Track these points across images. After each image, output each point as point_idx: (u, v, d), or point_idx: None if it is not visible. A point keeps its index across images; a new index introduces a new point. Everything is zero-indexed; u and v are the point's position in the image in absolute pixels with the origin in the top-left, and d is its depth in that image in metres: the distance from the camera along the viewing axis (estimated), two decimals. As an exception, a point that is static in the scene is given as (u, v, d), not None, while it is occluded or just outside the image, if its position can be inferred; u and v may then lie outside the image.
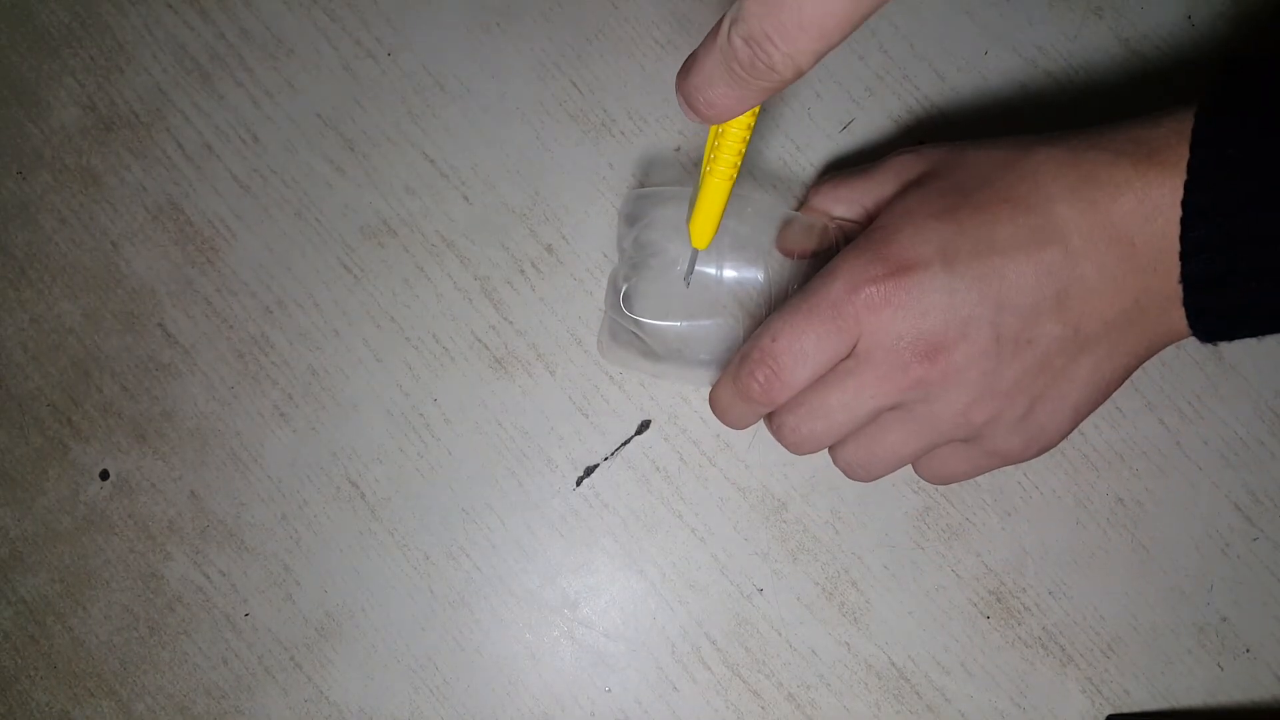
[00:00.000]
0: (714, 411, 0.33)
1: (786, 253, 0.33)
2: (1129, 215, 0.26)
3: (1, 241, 0.40)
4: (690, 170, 0.39)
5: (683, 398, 0.38)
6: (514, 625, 0.38)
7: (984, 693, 0.37)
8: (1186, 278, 0.26)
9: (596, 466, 0.38)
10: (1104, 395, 0.29)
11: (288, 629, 0.38)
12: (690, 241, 0.31)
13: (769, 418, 0.31)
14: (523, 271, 0.39)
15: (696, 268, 0.32)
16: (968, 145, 0.30)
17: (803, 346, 0.28)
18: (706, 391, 0.38)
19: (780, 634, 0.37)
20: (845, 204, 0.33)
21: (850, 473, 0.32)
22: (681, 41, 0.39)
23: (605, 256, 0.39)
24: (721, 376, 0.32)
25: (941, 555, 0.37)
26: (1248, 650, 0.36)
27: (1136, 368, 0.29)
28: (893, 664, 0.37)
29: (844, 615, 0.37)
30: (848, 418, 0.29)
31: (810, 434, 0.30)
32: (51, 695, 0.38)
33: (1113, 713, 0.37)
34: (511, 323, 0.39)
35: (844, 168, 0.37)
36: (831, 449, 0.32)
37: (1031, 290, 0.27)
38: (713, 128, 0.29)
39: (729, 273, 0.32)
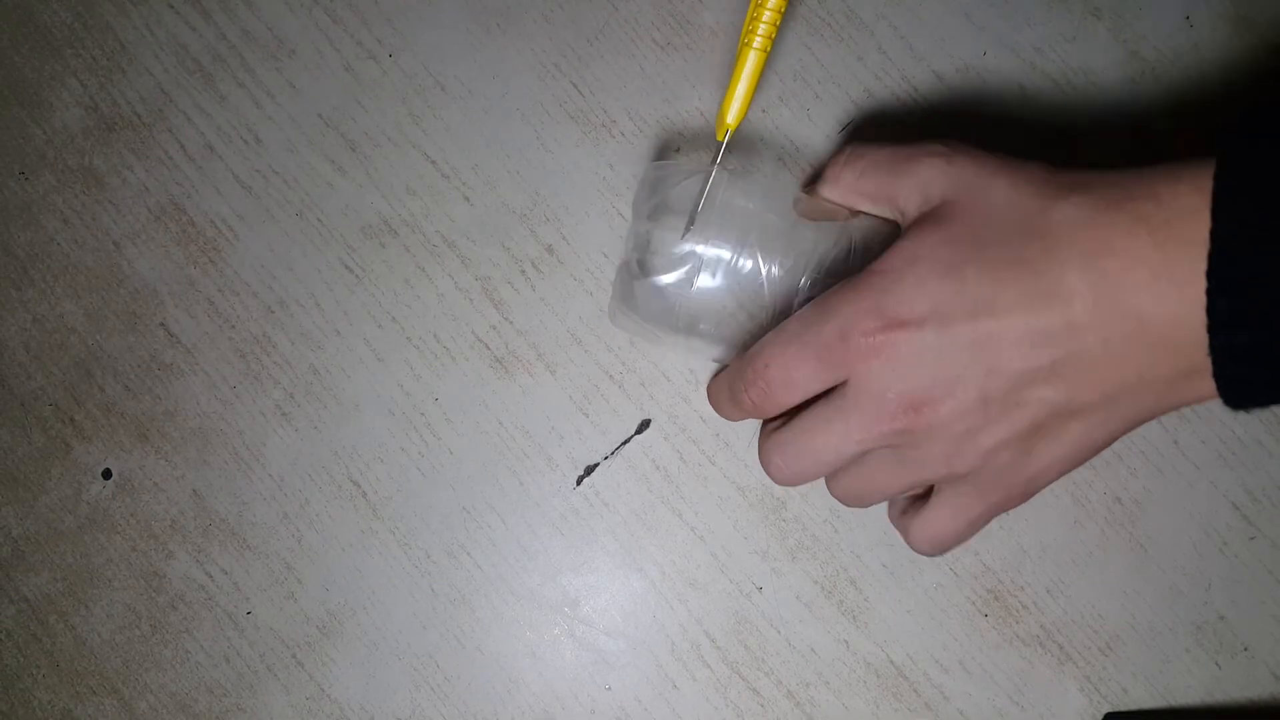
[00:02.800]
0: (709, 397, 0.35)
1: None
2: (1141, 289, 0.25)
3: (4, 241, 0.40)
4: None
5: (683, 398, 0.38)
6: (514, 623, 0.38)
7: (982, 691, 0.37)
8: (1216, 350, 0.25)
9: (597, 465, 0.38)
10: (1091, 456, 0.29)
11: (289, 627, 0.38)
12: (720, 125, 0.32)
13: (760, 451, 0.32)
14: (523, 272, 0.39)
15: (710, 247, 0.32)
16: (998, 170, 0.29)
17: (791, 377, 0.29)
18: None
19: (779, 632, 0.37)
20: (869, 202, 0.32)
21: (844, 502, 0.32)
22: (681, 42, 0.39)
23: (605, 256, 0.39)
24: (720, 375, 0.33)
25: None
26: (1245, 649, 0.36)
27: (1131, 430, 0.28)
28: (891, 662, 0.37)
29: (843, 614, 0.37)
30: (834, 459, 0.30)
31: (797, 473, 0.31)
32: (54, 693, 0.38)
33: (1111, 711, 0.37)
34: (512, 322, 0.39)
35: (866, 141, 0.36)
36: (825, 479, 0.32)
37: (1025, 357, 0.26)
38: (750, 7, 0.31)
39: (736, 251, 0.32)
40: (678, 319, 0.33)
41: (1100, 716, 0.37)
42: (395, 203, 0.39)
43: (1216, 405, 0.37)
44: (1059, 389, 0.27)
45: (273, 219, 0.39)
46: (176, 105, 0.40)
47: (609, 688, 0.38)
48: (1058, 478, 0.29)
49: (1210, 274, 0.24)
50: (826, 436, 0.29)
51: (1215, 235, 0.24)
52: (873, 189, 0.31)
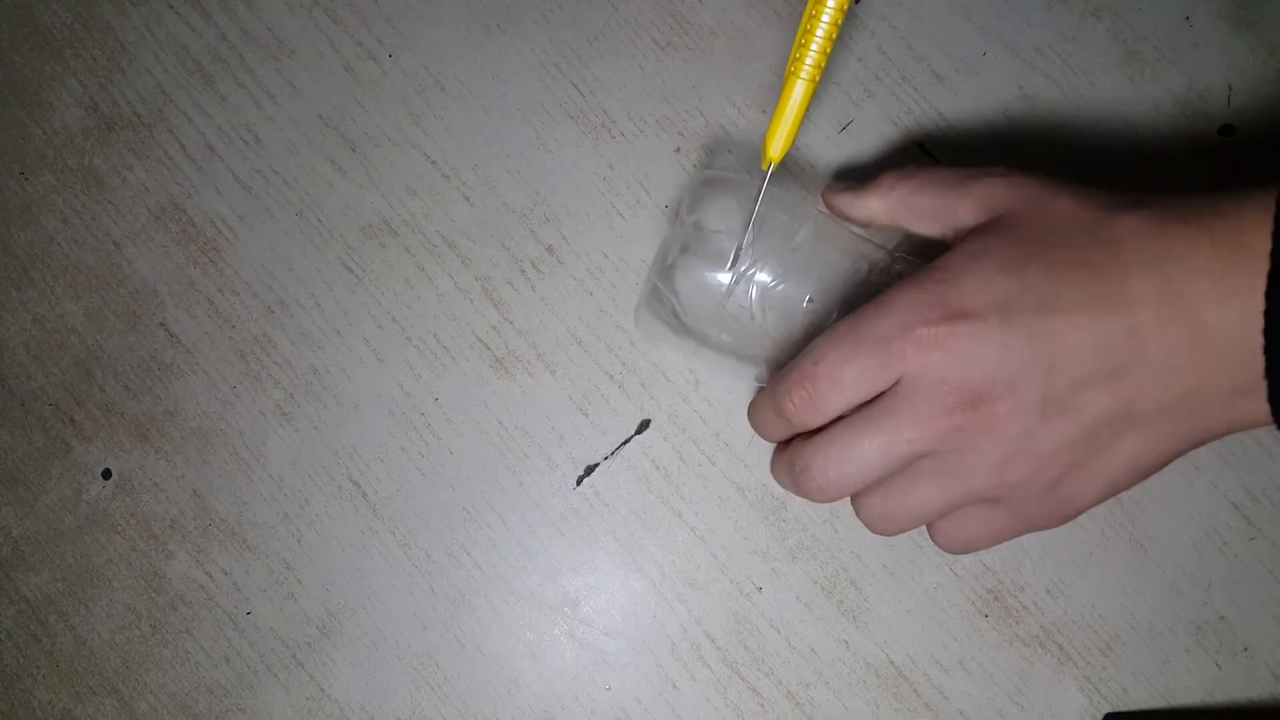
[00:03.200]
0: (749, 417, 0.32)
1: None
2: (1204, 297, 0.25)
3: (4, 241, 0.40)
4: (689, 170, 0.39)
5: (683, 398, 0.38)
6: (514, 623, 0.38)
7: (982, 691, 0.37)
8: (1272, 373, 0.25)
9: (597, 466, 0.38)
10: (1142, 478, 0.28)
11: (289, 627, 0.38)
12: (765, 155, 0.31)
13: (794, 459, 0.30)
14: (523, 272, 0.39)
15: (742, 274, 0.31)
16: (1060, 189, 0.28)
17: (843, 375, 0.28)
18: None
19: (779, 632, 0.37)
20: (921, 218, 0.31)
21: (873, 525, 0.30)
22: (681, 42, 0.39)
23: (605, 256, 0.39)
24: (761, 390, 0.31)
25: (940, 554, 0.37)
26: (1245, 649, 0.36)
27: (1181, 455, 0.28)
28: (891, 662, 0.37)
29: (843, 614, 0.37)
30: (880, 460, 0.28)
31: (839, 478, 0.29)
32: (54, 693, 0.38)
33: (1111, 711, 0.37)
34: (512, 323, 0.39)
35: (850, 175, 0.36)
36: (856, 499, 0.31)
37: (1087, 359, 0.26)
38: (801, 26, 0.30)
39: (771, 275, 0.31)
40: (705, 327, 0.32)
41: (1100, 716, 0.37)
42: (395, 203, 0.39)
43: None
44: (1117, 395, 0.26)
45: (273, 219, 0.39)
46: (176, 105, 0.40)
47: (609, 688, 0.38)
48: (1099, 501, 0.28)
49: (1270, 294, 0.24)
50: (875, 436, 0.28)
51: (1276, 255, 0.24)
52: (929, 204, 0.30)
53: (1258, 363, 0.25)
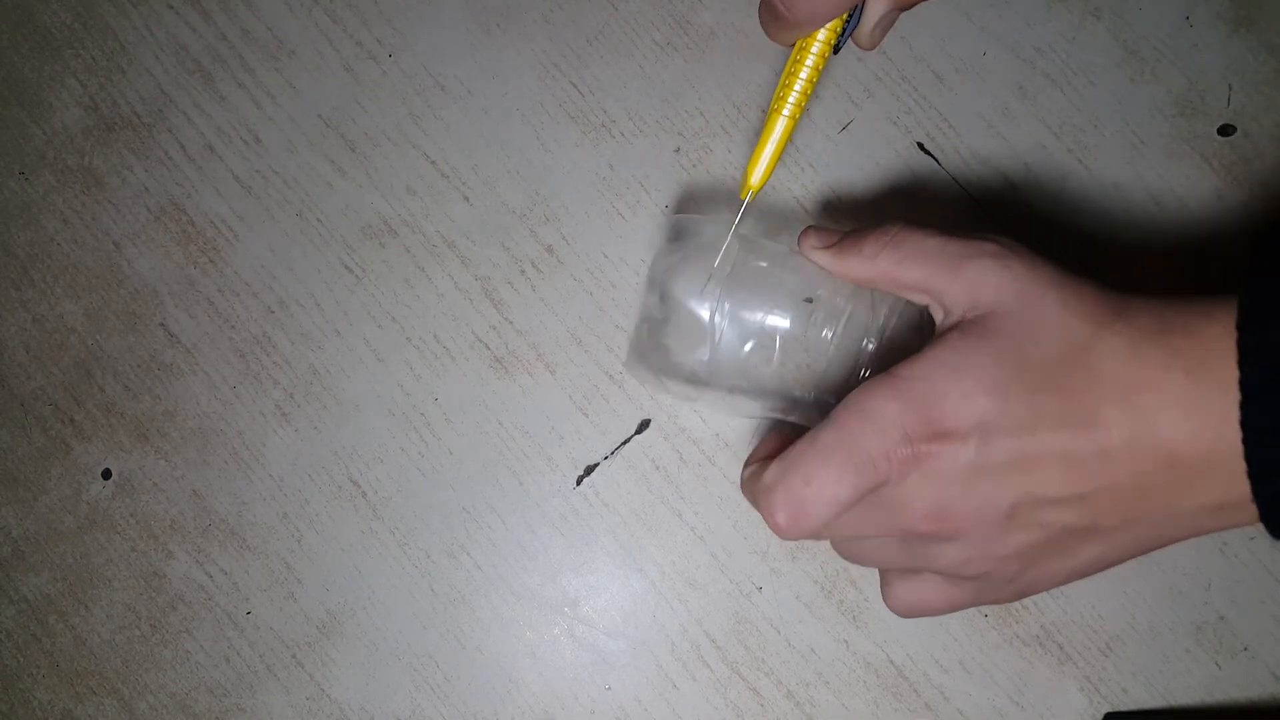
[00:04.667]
0: (745, 489, 0.32)
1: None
2: (1176, 428, 0.26)
3: (4, 242, 0.40)
4: (689, 170, 0.39)
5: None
6: (514, 623, 0.38)
7: (982, 691, 0.37)
8: (1259, 495, 0.25)
9: (596, 466, 0.38)
10: (1101, 570, 0.29)
11: (289, 627, 0.38)
12: (744, 184, 0.32)
13: (765, 498, 0.30)
14: (523, 272, 0.39)
15: (733, 298, 0.32)
16: (1049, 289, 0.28)
17: (836, 494, 0.28)
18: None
19: (779, 632, 0.37)
20: (905, 290, 0.31)
21: (838, 553, 0.32)
22: (681, 42, 0.39)
23: (605, 256, 0.39)
24: (750, 474, 0.31)
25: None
26: (1245, 649, 0.36)
27: (1141, 555, 0.29)
28: (891, 662, 0.37)
29: (843, 614, 0.37)
30: (847, 534, 0.30)
31: (803, 534, 0.29)
32: (54, 693, 0.38)
33: (1111, 711, 0.37)
34: (512, 323, 0.39)
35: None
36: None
37: (1056, 482, 0.27)
38: (784, 71, 0.31)
39: (756, 309, 0.32)
40: (695, 372, 0.32)
41: (1100, 716, 0.37)
42: (395, 203, 0.39)
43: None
44: (1084, 513, 0.27)
45: (273, 219, 0.39)
46: (176, 105, 0.40)
47: (609, 688, 0.38)
48: (1055, 587, 0.30)
49: (1244, 423, 0.25)
50: (845, 519, 0.29)
51: (1244, 385, 0.25)
52: (917, 280, 0.30)
53: (1231, 485, 0.25)
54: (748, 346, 0.32)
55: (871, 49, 0.32)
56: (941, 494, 0.27)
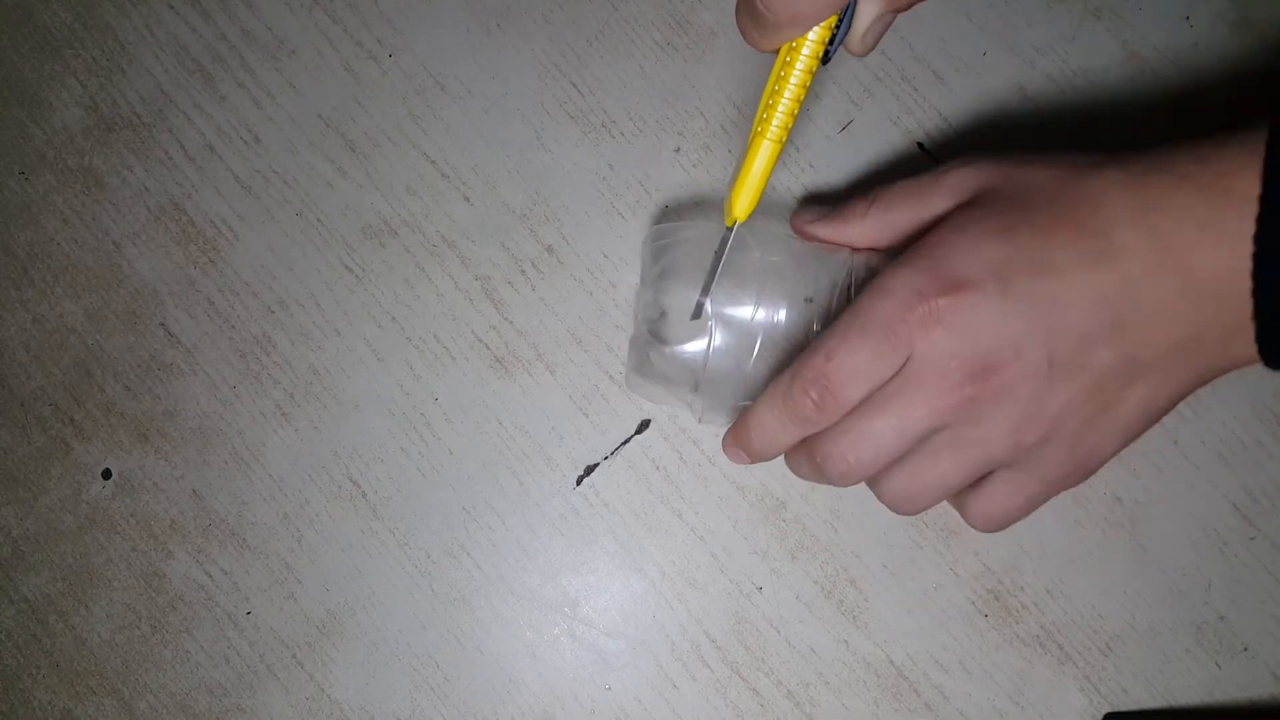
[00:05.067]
0: (747, 436, 0.32)
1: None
2: (1192, 245, 0.25)
3: (4, 241, 0.40)
4: (689, 170, 0.39)
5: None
6: (514, 623, 0.38)
7: (982, 691, 0.37)
8: (1260, 314, 0.25)
9: (596, 465, 0.38)
10: (1153, 422, 0.29)
11: (289, 627, 0.38)
12: (728, 213, 0.31)
13: (813, 449, 0.30)
14: (523, 271, 0.39)
15: (723, 307, 0.31)
16: (1031, 158, 0.29)
17: (857, 364, 0.28)
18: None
19: (779, 632, 0.37)
20: (899, 231, 0.31)
21: (896, 506, 0.30)
22: (681, 42, 0.39)
23: (605, 256, 0.39)
24: (762, 399, 0.30)
25: (940, 554, 0.37)
26: (1245, 649, 0.36)
27: (1189, 394, 0.28)
28: (891, 662, 0.37)
29: (843, 614, 0.37)
30: (897, 441, 0.28)
31: (859, 462, 0.29)
32: (54, 693, 0.38)
33: (1111, 711, 0.37)
34: (512, 323, 0.39)
35: (823, 201, 0.35)
36: (875, 482, 0.31)
37: (1087, 316, 0.26)
38: (767, 86, 0.30)
39: (754, 307, 0.32)
40: (696, 379, 0.32)
41: (1100, 716, 0.37)
42: (395, 203, 0.39)
43: (1217, 407, 0.37)
44: (1119, 348, 0.27)
45: (273, 219, 0.39)
46: (176, 105, 0.40)
47: (609, 688, 0.38)
48: (1117, 451, 0.29)
49: (1258, 237, 0.24)
50: (889, 416, 0.28)
51: (1265, 199, 0.24)
52: (906, 218, 0.31)
53: (1247, 303, 0.25)
54: (744, 349, 0.32)
55: (864, 55, 0.31)
56: (974, 345, 0.27)
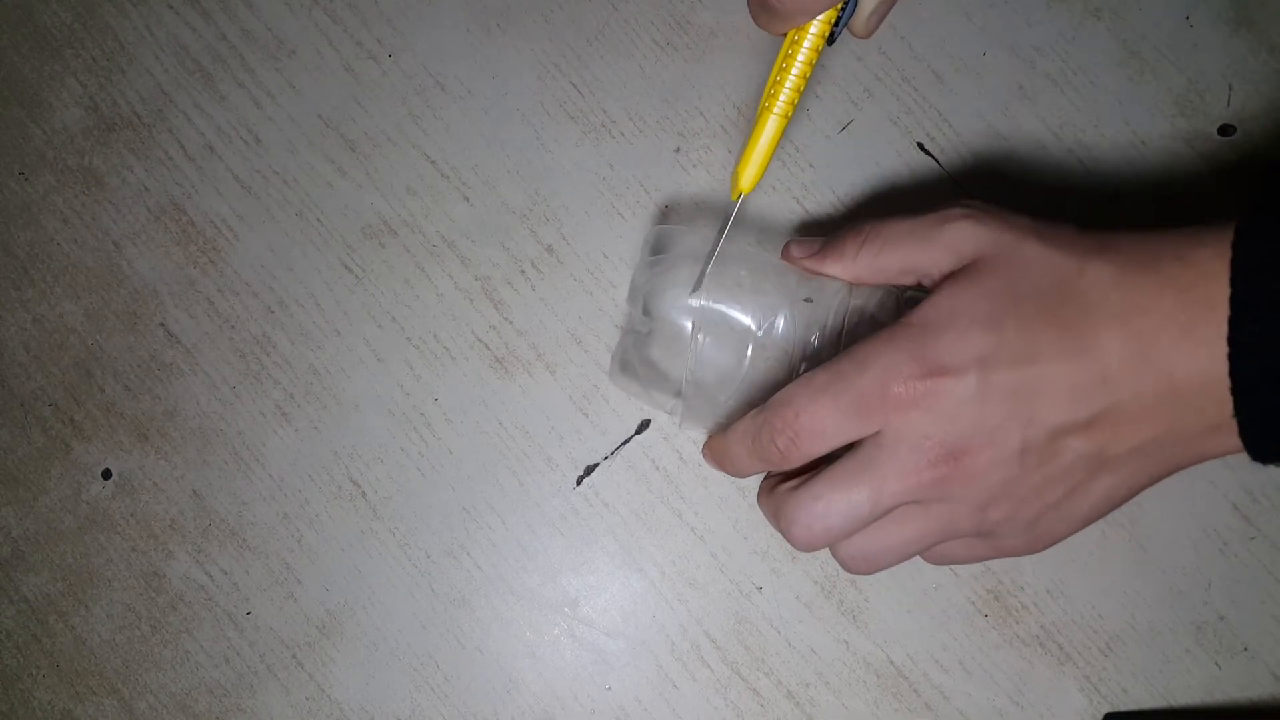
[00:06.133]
0: (715, 457, 0.33)
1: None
2: (1171, 349, 0.26)
3: (4, 242, 0.40)
4: (689, 170, 0.39)
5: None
6: (514, 623, 0.38)
7: (982, 691, 0.37)
8: (1241, 410, 0.26)
9: (596, 466, 0.38)
10: (1114, 507, 0.29)
11: (289, 627, 0.38)
12: (734, 186, 0.31)
13: (777, 511, 0.31)
14: (523, 272, 0.39)
15: (717, 308, 0.31)
16: (1026, 232, 0.29)
17: (824, 428, 0.28)
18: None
19: (779, 632, 0.37)
20: (889, 276, 0.31)
21: (851, 566, 0.31)
22: (681, 42, 0.39)
23: (605, 257, 0.39)
24: (732, 430, 0.31)
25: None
26: (1245, 649, 0.36)
27: (1151, 485, 0.29)
28: (891, 662, 0.37)
29: (843, 614, 0.37)
30: (867, 514, 0.29)
31: (825, 530, 0.29)
32: (54, 693, 0.38)
33: (1111, 711, 0.37)
34: (512, 323, 0.39)
35: (807, 234, 0.35)
36: (835, 544, 0.31)
37: (1064, 409, 0.27)
38: (775, 65, 0.30)
39: (742, 316, 0.32)
40: (680, 383, 0.32)
41: (1100, 716, 0.37)
42: (395, 203, 0.39)
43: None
44: (1093, 441, 0.27)
45: (273, 219, 0.39)
46: (176, 105, 0.40)
47: (609, 688, 0.38)
48: (1072, 534, 0.29)
49: (1231, 339, 0.25)
50: (858, 490, 0.28)
51: (1234, 301, 0.25)
52: (897, 263, 0.31)
53: (1226, 404, 0.26)
54: (731, 356, 0.32)
55: (868, 37, 0.31)
56: (950, 428, 0.27)
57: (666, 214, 0.39)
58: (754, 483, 0.38)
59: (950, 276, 0.29)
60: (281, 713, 0.38)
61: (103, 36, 0.40)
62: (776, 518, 0.31)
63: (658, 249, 0.33)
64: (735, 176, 0.32)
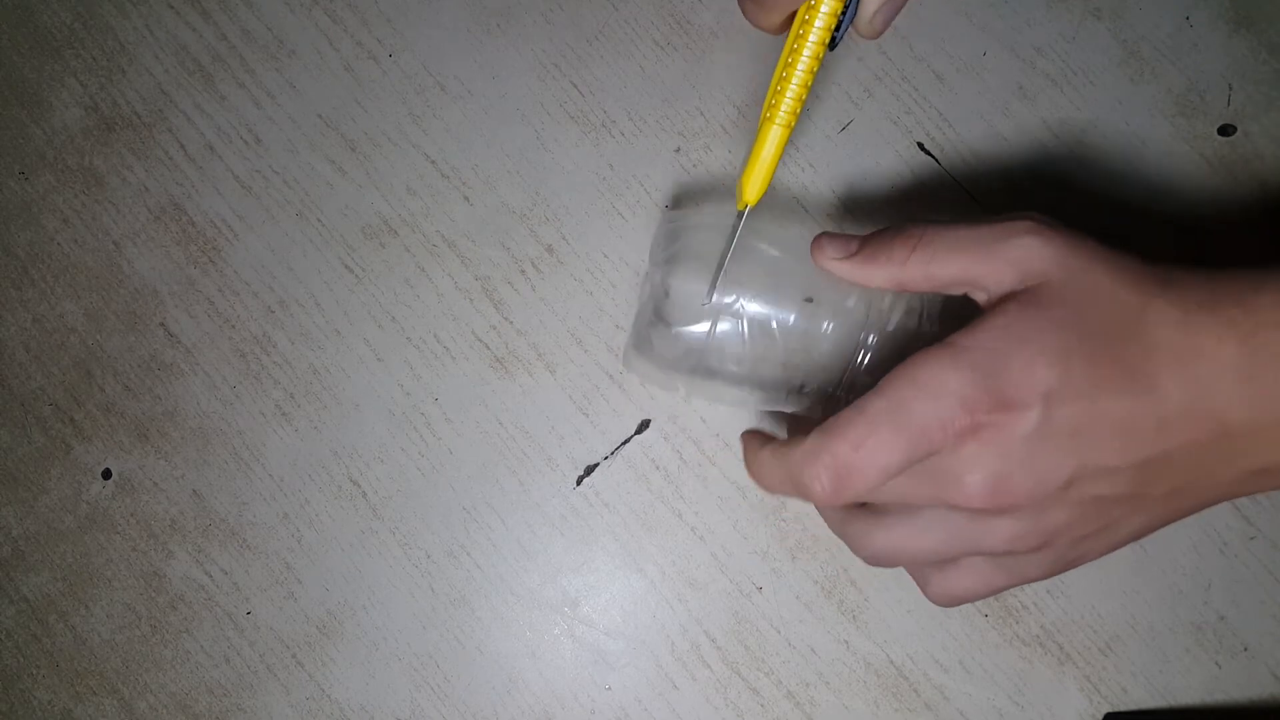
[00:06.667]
0: (754, 468, 0.31)
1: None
2: (1230, 396, 0.26)
3: (4, 242, 0.40)
4: (689, 170, 0.39)
5: (683, 398, 0.38)
6: (514, 623, 0.38)
7: (982, 691, 0.37)
8: None
9: (596, 465, 0.38)
10: (1139, 538, 0.29)
11: (289, 627, 0.38)
12: (740, 197, 0.31)
13: (845, 529, 0.30)
14: (523, 271, 0.39)
15: (723, 297, 0.31)
16: (1095, 257, 0.28)
17: (885, 464, 0.27)
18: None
19: (779, 632, 0.37)
20: (942, 286, 0.30)
21: (867, 557, 0.30)
22: (681, 42, 0.39)
23: (605, 256, 0.39)
24: (774, 452, 0.30)
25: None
26: (1245, 649, 0.36)
27: (1176, 521, 0.29)
28: (891, 662, 0.37)
29: (843, 613, 0.37)
30: (898, 518, 0.29)
31: (843, 500, 0.28)
32: (54, 693, 0.38)
33: (1111, 711, 0.37)
34: (512, 322, 0.39)
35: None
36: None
37: (1116, 455, 0.26)
38: (776, 72, 0.30)
39: (761, 304, 0.31)
40: (694, 365, 0.32)
41: (1100, 716, 0.37)
42: (395, 203, 0.39)
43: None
44: (1135, 483, 0.27)
45: (273, 219, 0.39)
46: (176, 105, 0.40)
47: (609, 688, 0.38)
48: (1092, 560, 0.29)
49: None
50: (895, 495, 0.28)
51: None
52: (953, 273, 0.29)
53: (1275, 451, 0.26)
54: (748, 337, 0.32)
55: (875, 37, 0.30)
56: (1000, 465, 0.26)
57: (670, 212, 0.39)
58: (754, 483, 0.38)
59: (1013, 297, 0.28)
60: (281, 713, 0.38)
61: (103, 36, 0.40)
62: (842, 535, 0.30)
63: (676, 231, 0.33)
64: (740, 187, 0.31)
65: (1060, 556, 0.29)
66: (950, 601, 0.30)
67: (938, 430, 0.26)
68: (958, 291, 0.29)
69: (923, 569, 0.31)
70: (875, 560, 0.30)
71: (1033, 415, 0.26)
